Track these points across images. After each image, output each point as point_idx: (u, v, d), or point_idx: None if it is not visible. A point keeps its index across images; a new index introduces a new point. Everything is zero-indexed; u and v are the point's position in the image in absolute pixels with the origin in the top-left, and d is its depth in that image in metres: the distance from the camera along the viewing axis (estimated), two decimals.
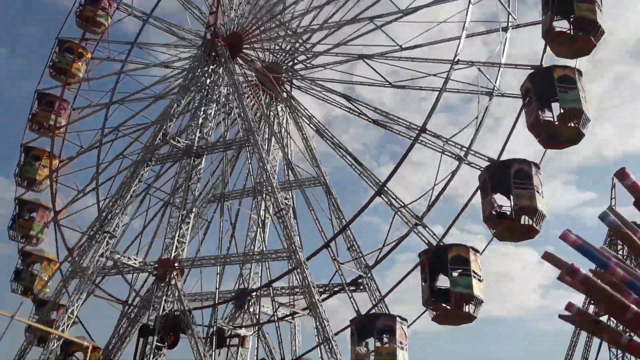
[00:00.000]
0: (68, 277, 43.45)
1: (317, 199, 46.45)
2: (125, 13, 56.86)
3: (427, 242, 37.96)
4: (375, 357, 36.80)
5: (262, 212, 47.92)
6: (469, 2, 40.76)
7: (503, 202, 37.55)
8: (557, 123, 36.98)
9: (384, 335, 38.06)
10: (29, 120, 57.43)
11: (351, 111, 44.70)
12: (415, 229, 38.57)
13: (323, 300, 40.05)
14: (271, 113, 49.42)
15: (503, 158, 38.78)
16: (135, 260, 42.84)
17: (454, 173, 39.22)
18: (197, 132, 44.52)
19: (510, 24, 41.95)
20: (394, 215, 38.92)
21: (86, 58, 59.40)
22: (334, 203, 45.45)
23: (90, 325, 46.64)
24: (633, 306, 6.75)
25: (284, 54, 49.42)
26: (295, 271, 38.74)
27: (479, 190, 38.05)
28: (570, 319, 7.37)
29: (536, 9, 40.62)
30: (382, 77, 43.66)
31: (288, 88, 49.03)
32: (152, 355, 37.93)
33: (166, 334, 38.90)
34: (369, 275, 41.06)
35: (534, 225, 36.61)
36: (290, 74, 48.78)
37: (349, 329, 37.52)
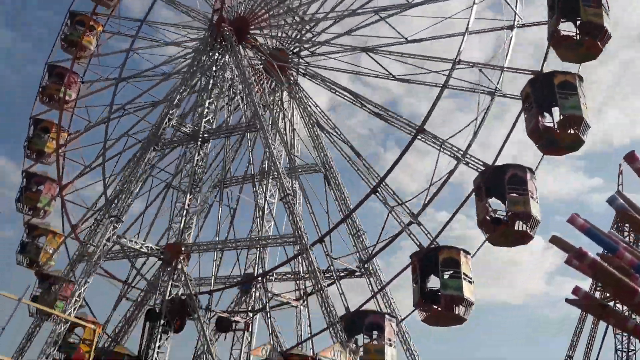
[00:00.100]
0: (75, 261, 43.89)
1: (314, 188, 46.51)
2: None
3: (418, 244, 38.02)
4: (364, 354, 37.33)
5: (267, 198, 48.07)
6: (474, 1, 40.07)
7: (497, 206, 37.50)
8: (557, 129, 36.64)
9: (373, 332, 38.65)
10: (39, 93, 57.85)
11: (353, 102, 44.48)
12: (407, 229, 38.59)
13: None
14: (276, 99, 49.26)
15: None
16: (142, 244, 43.16)
17: (451, 173, 39.09)
18: (204, 117, 44.60)
19: (516, 23, 41.23)
20: (388, 214, 38.96)
21: (97, 31, 59.47)
22: (335, 192, 45.45)
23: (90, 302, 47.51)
24: None
25: (289, 41, 49.05)
26: (300, 256, 39.04)
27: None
28: (577, 303, 7.42)
29: (543, 6, 39.72)
30: (386, 70, 43.30)
31: (293, 74, 48.77)
32: (158, 339, 38.65)
33: (173, 318, 39.50)
34: (362, 270, 41.28)
35: (528, 231, 36.62)
36: (297, 60, 48.48)
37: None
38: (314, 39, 47.97)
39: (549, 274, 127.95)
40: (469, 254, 37.44)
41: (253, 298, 45.29)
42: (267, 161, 46.85)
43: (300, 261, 42.82)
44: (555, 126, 36.76)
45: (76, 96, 58.18)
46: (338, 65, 46.72)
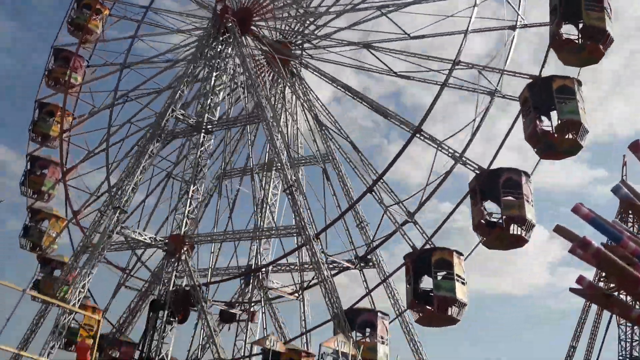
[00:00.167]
0: (79, 252, 44.21)
1: (311, 184, 46.62)
2: None
3: (411, 245, 38.16)
4: None
5: (270, 189, 48.27)
6: (475, 2, 39.70)
7: (492, 209, 37.49)
8: (554, 134, 36.46)
9: (366, 330, 38.96)
10: (44, 76, 58.03)
11: (353, 98, 44.38)
12: (401, 229, 38.71)
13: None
14: (278, 91, 49.24)
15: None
16: (146, 235, 43.38)
17: (447, 173, 39.07)
18: (207, 109, 44.60)
19: (518, 24, 40.82)
20: (383, 215, 39.07)
21: (104, 15, 59.41)
22: (333, 188, 45.61)
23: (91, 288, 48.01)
24: None
25: (292, 34, 48.87)
26: (305, 247, 39.31)
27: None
28: (581, 292, 7.45)
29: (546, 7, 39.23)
30: (387, 66, 43.14)
31: (295, 67, 48.65)
32: (162, 330, 38.99)
33: (177, 309, 39.69)
34: (358, 266, 41.55)
35: (523, 234, 36.65)
36: (299, 52, 48.33)
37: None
38: (316, 31, 47.77)
39: (552, 265, 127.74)
40: (462, 255, 37.60)
41: (253, 289, 45.70)
42: (268, 153, 46.94)
43: (301, 252, 43.11)
44: (553, 131, 36.58)
45: (82, 80, 58.35)
46: (340, 59, 46.63)
